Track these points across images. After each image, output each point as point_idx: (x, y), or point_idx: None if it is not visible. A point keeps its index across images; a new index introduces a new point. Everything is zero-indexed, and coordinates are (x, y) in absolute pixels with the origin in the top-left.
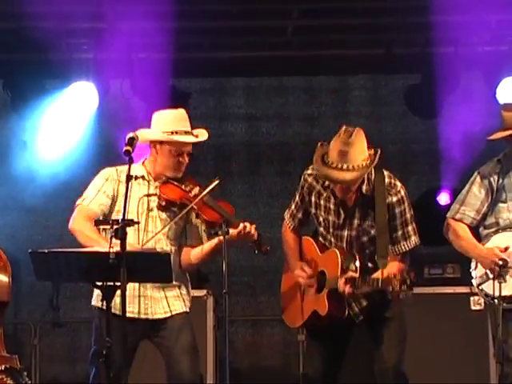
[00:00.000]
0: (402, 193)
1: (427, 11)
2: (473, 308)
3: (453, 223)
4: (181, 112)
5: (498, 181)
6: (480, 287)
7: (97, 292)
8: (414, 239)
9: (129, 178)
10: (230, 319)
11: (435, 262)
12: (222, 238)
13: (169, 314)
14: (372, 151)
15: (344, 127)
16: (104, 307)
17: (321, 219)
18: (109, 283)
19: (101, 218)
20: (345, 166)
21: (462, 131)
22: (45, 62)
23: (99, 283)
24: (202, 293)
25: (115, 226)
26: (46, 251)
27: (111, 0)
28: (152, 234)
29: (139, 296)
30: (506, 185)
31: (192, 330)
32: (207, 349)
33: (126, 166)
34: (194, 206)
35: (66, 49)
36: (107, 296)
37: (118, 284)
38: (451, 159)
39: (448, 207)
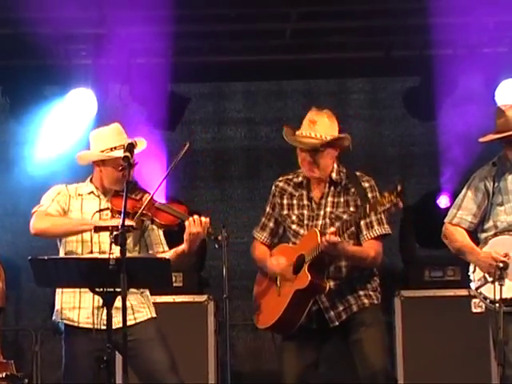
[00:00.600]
0: (373, 182)
1: (425, 13)
2: (473, 311)
3: (450, 228)
4: (115, 127)
5: (494, 184)
6: (479, 290)
7: (57, 306)
8: (387, 227)
9: (128, 184)
10: (231, 324)
11: (436, 264)
12: (185, 236)
13: (133, 322)
14: (342, 135)
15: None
16: (67, 322)
17: (293, 217)
18: (109, 289)
19: None
20: (313, 134)
21: (462, 133)
22: (43, 68)
23: (99, 289)
24: (202, 298)
25: (115, 232)
26: (46, 258)
27: (110, 6)
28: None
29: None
30: (501, 188)
31: (162, 336)
32: (208, 353)
33: (75, 185)
34: (148, 212)
35: (64, 55)
36: (107, 302)
37: (118, 290)
38: (451, 161)
39: (448, 210)
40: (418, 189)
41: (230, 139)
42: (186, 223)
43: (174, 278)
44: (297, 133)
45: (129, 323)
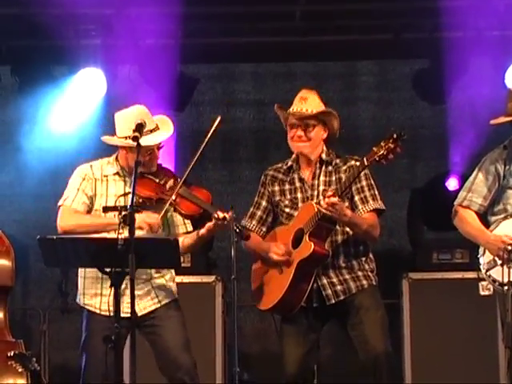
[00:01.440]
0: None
1: None
2: (481, 293)
3: (460, 210)
4: (141, 111)
5: (505, 167)
6: (488, 273)
7: (80, 291)
8: (381, 203)
9: (137, 163)
10: (239, 305)
11: (444, 247)
12: (202, 231)
13: (158, 305)
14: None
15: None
16: (89, 307)
17: (286, 202)
18: (117, 269)
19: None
20: (304, 109)
21: (471, 116)
22: (53, 48)
23: (107, 269)
24: (210, 279)
25: (123, 212)
26: (55, 237)
27: None
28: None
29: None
30: None
31: (182, 316)
32: (216, 334)
33: (100, 161)
34: (172, 201)
35: (73, 35)
36: (116, 282)
37: (127, 270)
38: (460, 144)
39: (456, 193)
40: (426, 171)
41: (239, 120)
42: (215, 216)
43: (182, 259)
44: (288, 110)
45: (154, 307)
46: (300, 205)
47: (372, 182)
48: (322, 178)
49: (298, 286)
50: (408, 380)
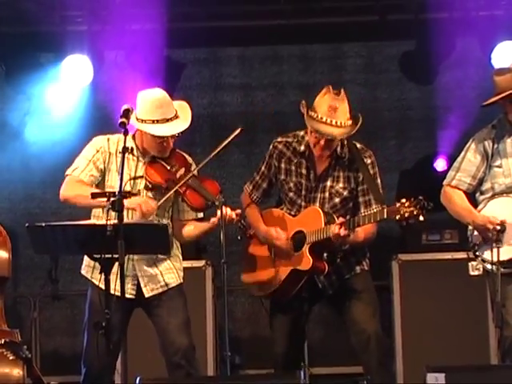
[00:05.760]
0: (373, 158)
1: None
2: (471, 273)
3: (449, 190)
4: (161, 98)
5: (493, 146)
6: (477, 253)
7: (85, 262)
8: (385, 204)
9: (125, 150)
10: (229, 289)
11: (433, 228)
12: (212, 223)
13: (165, 288)
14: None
15: (327, 86)
16: (93, 280)
17: (291, 184)
18: (107, 255)
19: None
20: (334, 122)
21: (458, 97)
22: (39, 35)
23: (97, 255)
24: (200, 263)
25: (112, 199)
26: (43, 225)
27: None
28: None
29: (132, 276)
30: (500, 150)
31: (185, 301)
32: (207, 319)
33: (118, 136)
34: (179, 190)
35: (59, 21)
36: (105, 268)
37: (116, 256)
38: (447, 125)
39: (445, 173)
40: (414, 153)
41: (227, 104)
42: (218, 213)
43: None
44: (316, 116)
45: (160, 290)
46: (303, 192)
47: (379, 180)
48: (330, 171)
49: (289, 285)
50: (399, 361)
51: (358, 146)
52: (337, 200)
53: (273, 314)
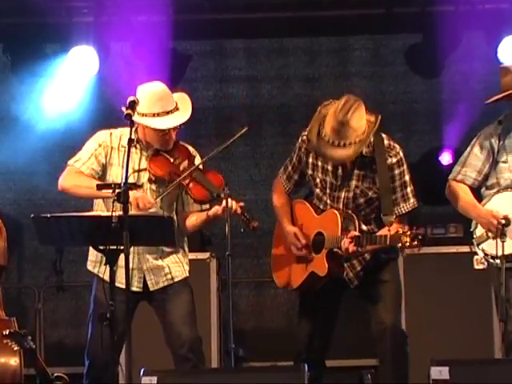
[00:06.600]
0: (401, 155)
1: None
2: (476, 267)
3: (454, 184)
4: (160, 91)
5: (499, 142)
6: (480, 246)
7: (90, 257)
8: (412, 201)
9: (130, 141)
10: (234, 281)
11: (438, 221)
12: (209, 213)
13: (171, 282)
14: (373, 117)
15: (345, 98)
16: (99, 274)
17: (317, 180)
18: (112, 247)
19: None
20: (341, 143)
21: (464, 90)
22: (45, 26)
23: (102, 247)
24: (205, 255)
25: (117, 190)
26: (49, 216)
27: None
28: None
29: (138, 269)
30: (506, 145)
31: (191, 294)
32: (211, 311)
33: (120, 130)
34: (183, 182)
35: (65, 12)
36: (110, 260)
37: (121, 248)
38: (453, 118)
39: (450, 167)
40: (420, 146)
41: (232, 97)
42: (223, 203)
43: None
44: (323, 133)
45: (166, 283)
46: (328, 191)
47: (407, 178)
48: (356, 171)
49: (312, 283)
50: None
51: (386, 142)
52: (361, 200)
53: (300, 304)
